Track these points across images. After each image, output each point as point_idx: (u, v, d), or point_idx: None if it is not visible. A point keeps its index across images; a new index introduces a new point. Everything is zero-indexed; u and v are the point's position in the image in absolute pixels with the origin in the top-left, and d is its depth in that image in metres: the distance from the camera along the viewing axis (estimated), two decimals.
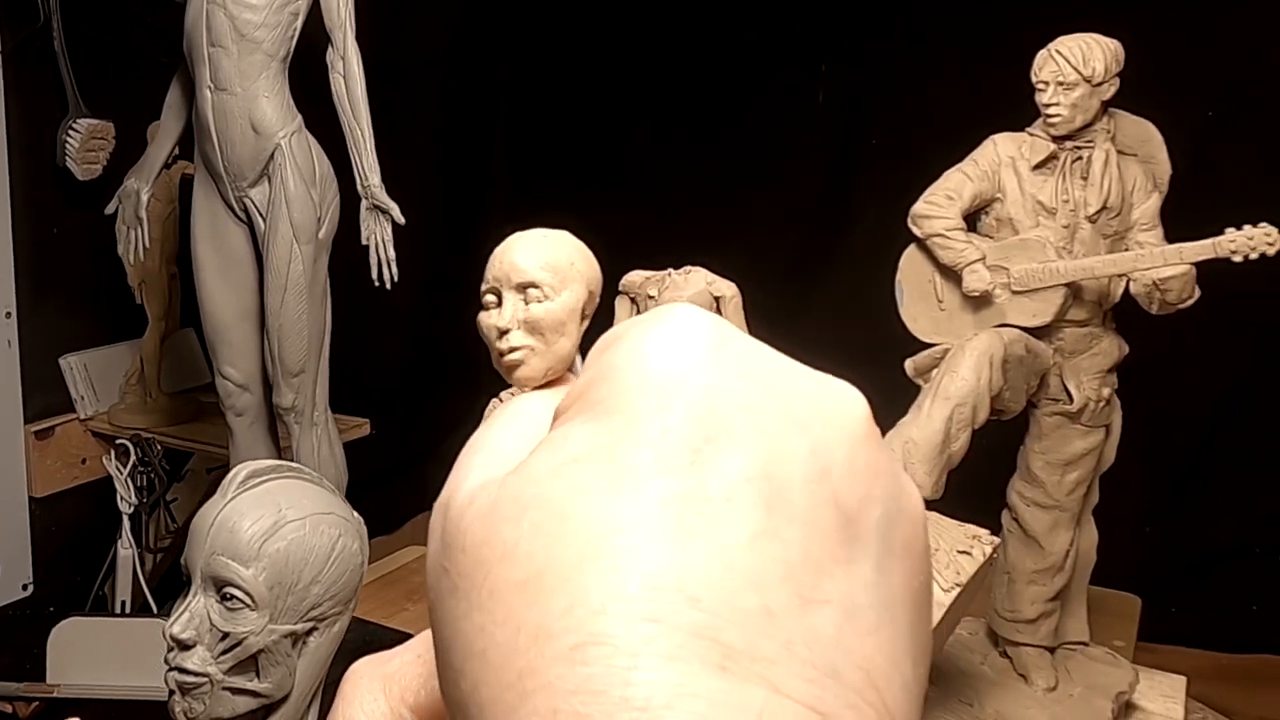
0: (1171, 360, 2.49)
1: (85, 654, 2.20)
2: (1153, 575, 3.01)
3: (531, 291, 1.47)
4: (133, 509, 2.65)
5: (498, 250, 1.55)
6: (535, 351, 1.55)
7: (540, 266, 1.49)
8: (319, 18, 2.16)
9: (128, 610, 2.63)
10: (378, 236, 2.18)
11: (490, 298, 1.51)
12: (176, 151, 2.45)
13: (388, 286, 2.19)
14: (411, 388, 3.66)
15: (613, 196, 3.57)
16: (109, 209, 2.42)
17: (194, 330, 2.86)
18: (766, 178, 3.51)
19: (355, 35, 2.16)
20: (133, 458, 2.64)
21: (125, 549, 2.64)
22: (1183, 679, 2.48)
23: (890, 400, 2.14)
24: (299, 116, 2.17)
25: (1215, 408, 3.08)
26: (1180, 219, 2.19)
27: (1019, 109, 2.22)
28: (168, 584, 2.70)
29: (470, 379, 3.78)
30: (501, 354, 1.54)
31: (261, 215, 2.16)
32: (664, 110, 3.61)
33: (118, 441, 2.68)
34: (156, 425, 2.70)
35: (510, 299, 1.44)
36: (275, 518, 1.26)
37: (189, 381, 2.87)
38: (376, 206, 2.17)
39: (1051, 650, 2.31)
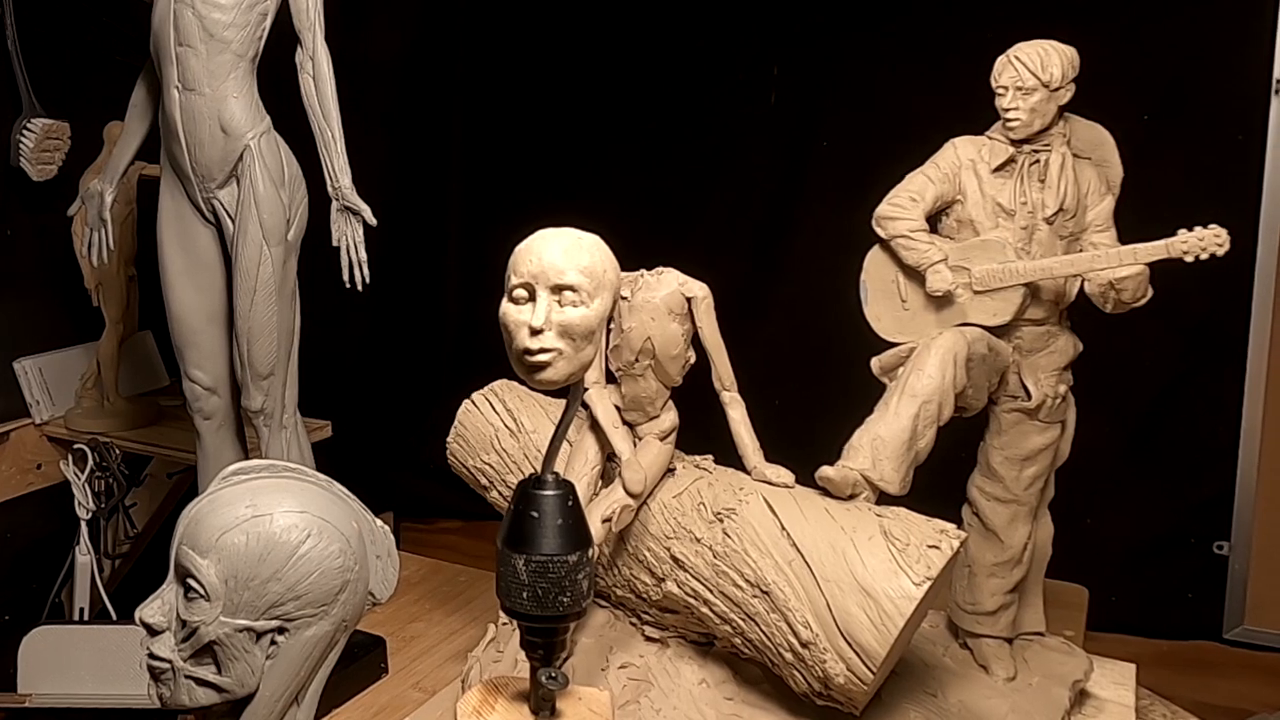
0: (1105, 358, 2.57)
1: (57, 663, 2.18)
2: (1095, 566, 3.08)
3: (567, 294, 1.50)
4: (91, 515, 2.61)
5: (529, 245, 1.56)
6: (563, 355, 1.57)
7: (579, 270, 1.51)
8: (289, 19, 2.15)
9: (86, 617, 2.60)
10: (349, 238, 2.17)
11: (521, 293, 1.53)
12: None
13: (359, 288, 2.19)
14: (373, 390, 3.65)
15: (568, 198, 3.58)
16: (71, 210, 2.39)
17: (151, 333, 2.84)
18: (719, 179, 3.55)
19: (325, 36, 2.15)
20: (90, 463, 2.60)
21: (83, 555, 2.60)
22: (1132, 666, 2.54)
23: (852, 398, 2.18)
24: (268, 117, 2.16)
25: (1149, 403, 3.17)
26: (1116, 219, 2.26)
27: (970, 111, 2.27)
28: (127, 590, 2.66)
29: (431, 382, 3.79)
30: (528, 352, 1.55)
31: (230, 216, 2.14)
32: (618, 112, 3.64)
33: (75, 446, 2.65)
34: (115, 429, 2.67)
35: (544, 298, 1.47)
36: (239, 512, 1.26)
37: (147, 385, 2.84)
38: (348, 208, 2.16)
39: (1010, 641, 2.36)
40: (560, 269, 1.32)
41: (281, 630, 1.28)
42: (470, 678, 2.15)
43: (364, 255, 2.18)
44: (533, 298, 1.32)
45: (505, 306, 1.34)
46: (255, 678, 1.28)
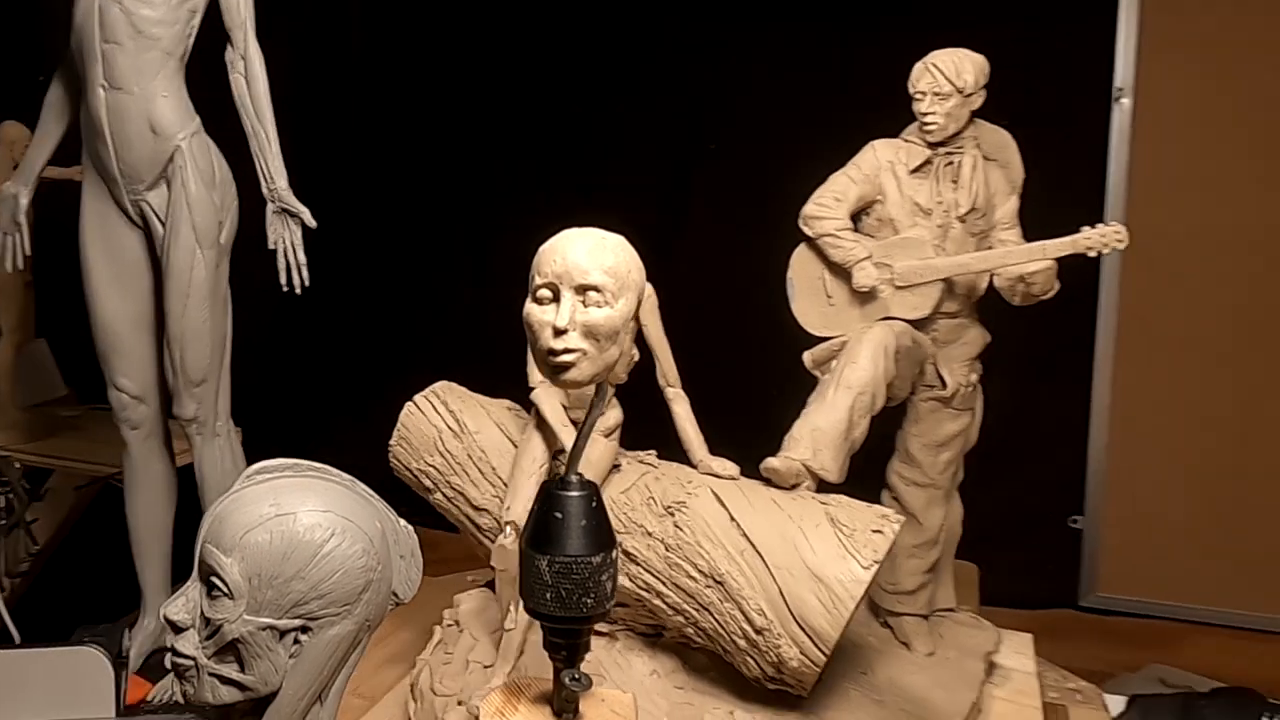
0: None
1: None
2: (966, 542, 3.25)
3: (592, 295, 1.52)
4: None
5: (554, 246, 1.57)
6: (587, 356, 1.59)
7: (603, 270, 1.53)
8: (219, 16, 2.09)
9: None
10: (286, 240, 2.13)
11: (545, 293, 1.53)
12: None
13: (298, 291, 2.14)
14: (285, 395, 3.55)
15: (513, 198, 3.58)
16: None
17: (47, 341, 2.70)
18: (625, 180, 3.56)
19: (256, 33, 2.10)
20: None
21: None
22: (1029, 636, 2.70)
23: (787, 391, 2.26)
24: (198, 118, 2.10)
25: (1008, 391, 3.35)
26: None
27: (886, 111, 2.36)
28: (28, 609, 2.53)
29: (353, 386, 3.70)
30: (553, 352, 1.56)
31: (160, 219, 2.07)
32: (566, 111, 3.62)
33: None
34: (13, 442, 2.55)
35: (569, 299, 1.48)
36: (263, 511, 1.25)
37: (45, 395, 2.71)
38: (285, 209, 2.11)
39: (926, 617, 2.49)
40: (585, 269, 1.34)
41: (305, 629, 1.27)
42: (420, 681, 2.13)
43: (303, 258, 2.14)
44: (557, 298, 1.34)
45: (529, 307, 1.35)
46: (278, 676, 1.27)
